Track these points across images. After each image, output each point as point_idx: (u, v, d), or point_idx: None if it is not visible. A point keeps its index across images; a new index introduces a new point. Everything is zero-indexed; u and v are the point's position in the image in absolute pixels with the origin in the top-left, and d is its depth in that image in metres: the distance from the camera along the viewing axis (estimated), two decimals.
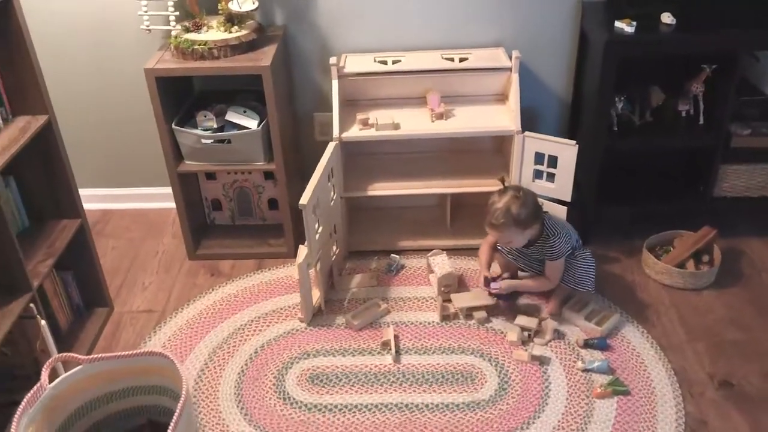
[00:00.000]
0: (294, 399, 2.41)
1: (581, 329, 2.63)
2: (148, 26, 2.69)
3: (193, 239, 3.09)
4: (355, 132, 2.83)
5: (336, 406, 2.37)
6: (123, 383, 2.12)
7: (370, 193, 2.93)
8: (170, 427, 1.81)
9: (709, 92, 2.79)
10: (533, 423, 2.29)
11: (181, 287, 2.96)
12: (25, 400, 1.92)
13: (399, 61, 2.95)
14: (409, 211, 3.25)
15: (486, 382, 2.45)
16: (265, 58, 2.67)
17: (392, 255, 3.01)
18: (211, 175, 3.16)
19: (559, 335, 2.61)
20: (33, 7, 2.73)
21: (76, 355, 2.06)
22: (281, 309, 2.78)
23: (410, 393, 2.41)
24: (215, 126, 2.84)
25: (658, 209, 3.02)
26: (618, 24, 2.60)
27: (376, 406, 2.36)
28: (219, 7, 2.71)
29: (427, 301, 2.79)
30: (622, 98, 2.79)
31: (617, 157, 3.07)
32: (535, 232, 2.57)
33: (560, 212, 2.80)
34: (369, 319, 2.71)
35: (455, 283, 2.79)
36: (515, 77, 2.82)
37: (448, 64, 2.88)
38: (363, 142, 2.96)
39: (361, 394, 2.41)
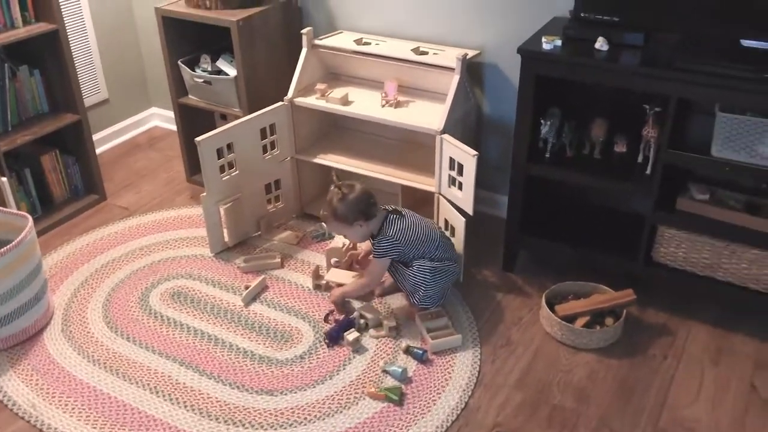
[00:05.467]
0: (148, 304, 2.76)
1: (421, 337, 2.56)
2: None
3: (192, 166, 3.56)
4: (309, 99, 3.03)
5: (169, 319, 2.68)
6: (6, 235, 2.67)
7: (316, 160, 3.12)
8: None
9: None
10: (294, 393, 2.35)
11: (162, 200, 3.47)
12: None
13: (380, 44, 3.06)
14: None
15: (294, 347, 2.55)
16: (241, 15, 3.01)
17: (322, 224, 3.16)
18: (224, 116, 3.60)
19: (397, 335, 2.58)
20: None
21: None
22: (205, 237, 3.13)
23: (230, 331, 2.62)
24: (209, 69, 3.26)
25: (589, 257, 2.73)
26: (543, 39, 2.43)
27: (196, 330, 2.62)
28: None
29: (319, 269, 2.91)
30: (548, 122, 2.57)
31: (561, 188, 2.85)
32: (369, 230, 2.58)
33: (458, 223, 2.71)
34: (258, 266, 2.93)
35: (343, 259, 2.87)
36: (456, 78, 2.76)
37: (408, 55, 2.92)
38: (333, 116, 3.19)
39: (194, 317, 2.68)
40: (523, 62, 2.46)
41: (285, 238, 3.13)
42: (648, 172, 2.52)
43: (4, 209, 2.65)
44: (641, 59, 2.33)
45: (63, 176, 3.36)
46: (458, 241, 2.73)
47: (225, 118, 3.60)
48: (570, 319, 2.56)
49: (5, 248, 2.39)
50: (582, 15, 2.47)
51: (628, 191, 2.58)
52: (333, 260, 2.88)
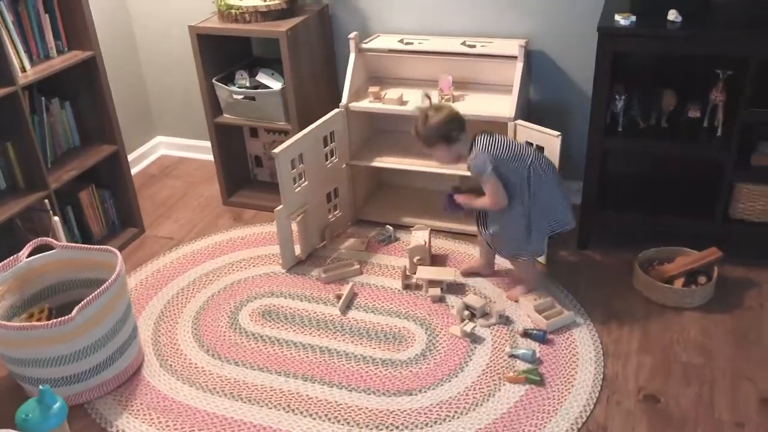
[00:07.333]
0: (240, 326, 2.65)
1: (531, 319, 2.59)
2: None
3: (228, 187, 3.46)
4: (364, 103, 3.02)
5: (270, 338, 2.58)
6: (85, 273, 2.51)
7: (374, 163, 3.10)
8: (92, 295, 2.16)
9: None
10: (433, 389, 2.32)
11: (204, 225, 3.34)
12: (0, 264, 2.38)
13: (423, 43, 3.08)
14: (425, 193, 3.35)
15: (411, 346, 2.51)
16: (285, 25, 2.96)
17: (387, 226, 3.14)
18: (254, 133, 3.52)
19: (506, 321, 2.59)
20: None
21: (51, 240, 2.48)
22: (271, 255, 3.04)
23: (338, 340, 2.55)
24: (248, 85, 3.19)
25: (668, 222, 2.84)
26: (617, 17, 2.53)
27: (304, 345, 2.54)
28: None
29: (399, 270, 2.88)
30: (623, 97, 2.67)
31: (630, 162, 2.98)
32: (454, 153, 2.58)
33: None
34: (338, 275, 2.87)
35: (426, 257, 2.87)
36: (519, 66, 2.83)
37: (462, 49, 2.96)
38: (380, 118, 3.21)
39: (296, 333, 2.60)
40: (601, 40, 2.54)
41: (351, 246, 3.08)
42: (719, 134, 2.66)
43: (91, 246, 2.48)
44: (722, 25, 2.47)
45: (100, 212, 3.17)
46: None
47: (256, 135, 3.52)
48: (667, 282, 2.66)
49: (106, 284, 2.24)
50: None
51: (707, 154, 2.70)
52: (416, 258, 2.86)
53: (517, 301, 2.66)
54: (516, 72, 2.83)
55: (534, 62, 3.09)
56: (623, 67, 2.74)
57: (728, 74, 2.56)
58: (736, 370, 2.34)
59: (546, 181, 2.53)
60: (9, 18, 2.61)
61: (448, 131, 2.53)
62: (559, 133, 2.64)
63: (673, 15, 2.50)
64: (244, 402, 2.31)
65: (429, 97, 2.62)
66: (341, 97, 3.04)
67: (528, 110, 3.16)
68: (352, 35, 3.04)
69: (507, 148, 2.54)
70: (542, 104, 3.17)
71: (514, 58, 2.84)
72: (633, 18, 2.51)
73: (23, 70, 2.66)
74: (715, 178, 2.72)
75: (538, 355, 2.43)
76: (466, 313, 2.61)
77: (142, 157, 3.95)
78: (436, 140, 2.54)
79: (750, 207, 2.70)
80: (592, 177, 2.81)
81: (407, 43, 3.10)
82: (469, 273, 2.84)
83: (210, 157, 3.69)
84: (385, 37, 3.19)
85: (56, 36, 2.82)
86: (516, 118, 2.78)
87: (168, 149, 4.06)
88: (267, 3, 3.02)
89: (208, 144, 3.59)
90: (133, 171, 3.84)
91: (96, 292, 2.19)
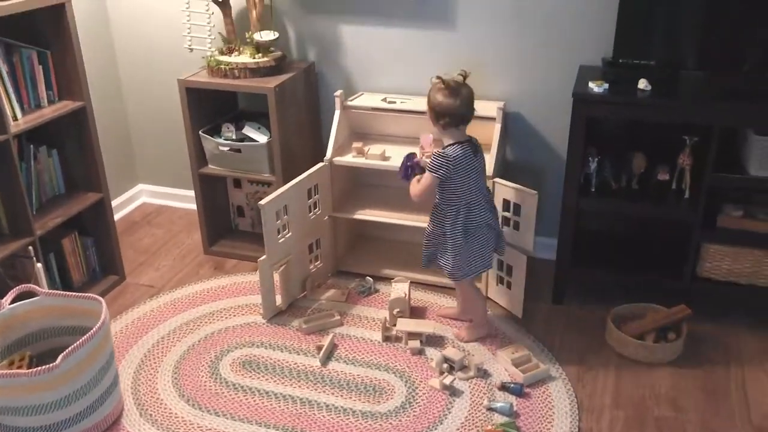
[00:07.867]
0: (221, 376, 2.67)
1: (508, 373, 2.65)
2: (190, 46, 3.20)
3: (210, 237, 3.51)
4: (347, 158, 3.11)
5: (251, 388, 2.60)
6: (67, 321, 2.52)
7: (356, 216, 3.17)
8: (73, 345, 2.17)
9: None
10: None
11: (185, 274, 3.37)
12: None
13: (405, 102, 3.21)
14: (406, 245, 3.43)
15: (391, 398, 2.55)
16: (273, 82, 3.06)
17: (367, 277, 3.21)
18: (237, 184, 3.58)
19: (484, 374, 2.65)
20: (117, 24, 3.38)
21: (35, 287, 2.50)
22: (252, 305, 3.08)
23: (319, 392, 2.58)
24: (234, 137, 3.26)
25: (639, 280, 2.95)
26: (590, 84, 2.68)
27: (284, 396, 2.56)
28: (247, 37, 3.16)
29: (379, 321, 2.94)
30: (596, 159, 2.81)
31: (602, 220, 3.10)
32: (443, 134, 2.61)
33: (519, 262, 2.84)
34: (319, 326, 2.91)
35: (406, 309, 2.93)
36: (497, 127, 2.96)
37: None
38: (362, 172, 3.30)
39: (277, 383, 2.62)
40: (575, 106, 2.68)
41: (332, 297, 3.13)
42: (686, 196, 2.80)
43: (75, 294, 2.50)
44: (689, 95, 2.64)
45: (81, 259, 3.19)
46: (519, 281, 2.88)
47: (239, 185, 3.59)
48: (638, 338, 2.75)
49: (91, 332, 2.26)
50: (620, 61, 2.74)
51: (675, 215, 2.83)
52: (396, 310, 2.92)
53: (463, 341, 2.80)
54: (494, 132, 2.95)
55: (511, 124, 3.23)
56: (596, 131, 2.88)
57: (695, 140, 2.71)
58: (705, 424, 2.42)
59: (476, 230, 2.65)
60: (4, 69, 2.67)
61: (459, 118, 2.54)
62: (535, 191, 2.75)
63: (643, 84, 2.66)
64: None
65: (465, 75, 2.58)
66: (325, 151, 3.14)
67: (504, 169, 3.28)
68: (337, 93, 3.15)
69: (472, 173, 2.58)
70: (518, 164, 3.29)
71: (493, 119, 2.97)
72: (606, 86, 2.66)
73: (15, 118, 2.71)
74: (683, 238, 2.84)
75: (515, 408, 2.48)
76: (445, 365, 2.66)
77: (124, 204, 3.98)
78: (442, 115, 2.53)
79: (716, 266, 2.82)
80: (566, 234, 2.92)
81: (390, 102, 3.22)
82: (446, 316, 2.94)
83: (190, 205, 3.75)
84: (369, 95, 3.31)
85: (48, 86, 2.88)
86: (494, 176, 2.89)
87: (149, 197, 4.10)
88: (256, 60, 3.12)
89: (189, 192, 3.66)
90: (116, 217, 3.88)
91: (81, 340, 2.20)
